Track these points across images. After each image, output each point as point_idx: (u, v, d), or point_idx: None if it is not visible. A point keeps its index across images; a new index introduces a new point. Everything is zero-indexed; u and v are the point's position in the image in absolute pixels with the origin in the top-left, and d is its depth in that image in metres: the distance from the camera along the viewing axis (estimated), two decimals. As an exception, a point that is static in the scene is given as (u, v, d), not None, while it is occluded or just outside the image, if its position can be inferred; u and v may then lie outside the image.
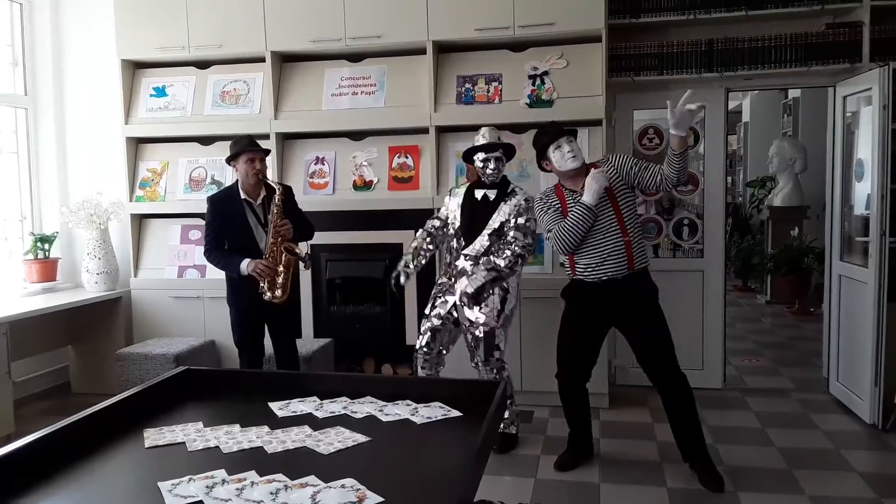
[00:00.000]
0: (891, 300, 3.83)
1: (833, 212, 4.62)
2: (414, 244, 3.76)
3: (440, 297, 3.69)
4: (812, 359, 5.40)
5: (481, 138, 3.63)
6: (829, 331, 4.59)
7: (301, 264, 3.69)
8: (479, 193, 3.64)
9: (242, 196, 3.67)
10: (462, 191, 3.71)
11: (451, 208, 3.72)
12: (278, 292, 3.60)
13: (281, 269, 3.60)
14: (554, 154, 3.29)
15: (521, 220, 3.54)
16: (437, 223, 3.78)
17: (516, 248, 3.51)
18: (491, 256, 3.54)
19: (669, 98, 3.11)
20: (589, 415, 3.54)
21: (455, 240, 3.68)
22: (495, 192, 3.61)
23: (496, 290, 3.58)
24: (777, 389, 4.73)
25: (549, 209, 3.32)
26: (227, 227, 3.66)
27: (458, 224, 3.66)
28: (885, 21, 4.20)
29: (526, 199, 3.58)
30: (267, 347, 3.87)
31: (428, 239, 3.76)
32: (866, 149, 4.10)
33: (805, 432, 3.92)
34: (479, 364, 3.63)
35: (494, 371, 3.63)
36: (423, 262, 3.76)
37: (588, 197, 3.16)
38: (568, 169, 3.27)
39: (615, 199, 3.25)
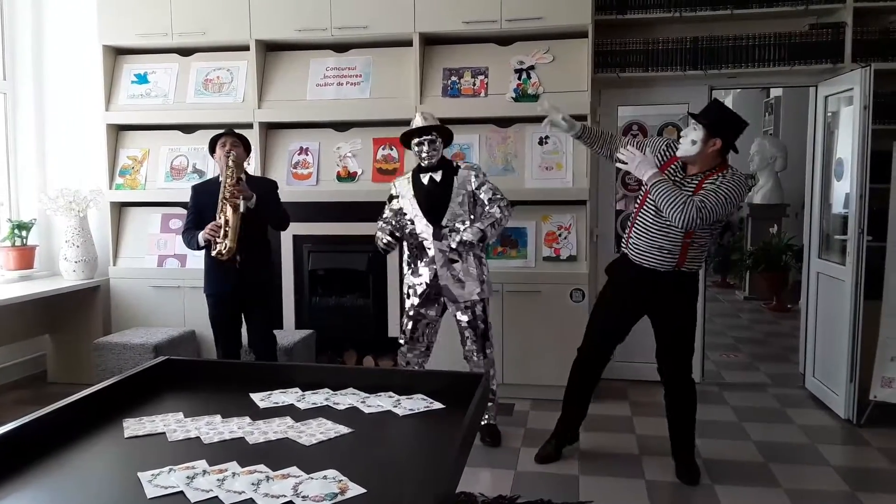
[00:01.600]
0: (867, 298, 3.89)
1: (812, 210, 4.67)
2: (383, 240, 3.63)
3: (411, 289, 3.69)
4: (789, 354, 5.47)
5: (416, 122, 3.60)
6: (805, 327, 4.65)
7: (243, 205, 3.56)
8: (424, 178, 3.62)
9: (221, 180, 3.67)
10: (403, 183, 3.69)
11: (405, 204, 3.65)
12: (222, 247, 3.52)
13: (223, 221, 3.54)
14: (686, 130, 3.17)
15: (485, 188, 3.59)
16: (387, 214, 3.70)
17: (501, 203, 3.56)
18: (480, 220, 3.56)
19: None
20: (587, 404, 3.51)
21: (417, 227, 3.63)
22: (440, 172, 3.60)
23: (471, 263, 3.58)
24: (754, 384, 4.79)
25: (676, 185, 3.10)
26: (206, 212, 3.65)
27: (416, 213, 3.62)
28: (867, 22, 4.25)
29: (474, 167, 3.66)
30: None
31: (388, 231, 3.63)
32: (846, 148, 4.16)
33: (781, 427, 3.97)
34: (474, 355, 3.64)
35: (485, 361, 3.65)
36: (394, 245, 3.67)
37: (653, 170, 3.06)
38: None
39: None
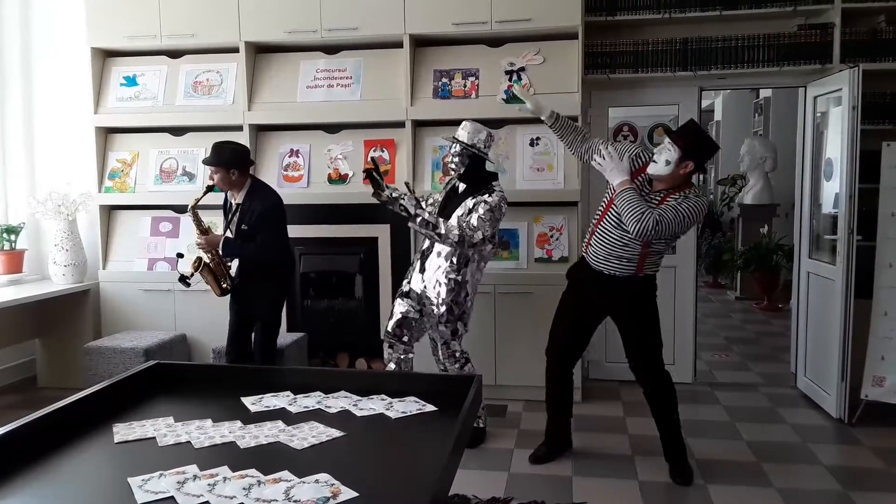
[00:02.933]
0: (858, 297, 3.91)
1: (802, 210, 4.69)
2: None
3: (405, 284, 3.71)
4: (780, 354, 5.49)
5: (460, 132, 3.58)
6: (797, 327, 4.67)
7: (206, 257, 3.72)
8: (459, 186, 3.63)
9: (229, 195, 3.81)
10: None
11: (437, 198, 3.76)
12: (218, 292, 3.77)
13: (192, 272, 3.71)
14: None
15: (469, 215, 3.45)
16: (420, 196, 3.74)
17: (462, 231, 3.40)
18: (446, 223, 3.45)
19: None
20: (571, 403, 3.55)
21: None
22: (464, 185, 3.59)
23: (446, 281, 3.54)
24: (746, 384, 4.81)
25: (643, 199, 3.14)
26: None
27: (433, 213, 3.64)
28: (855, 23, 4.28)
29: (486, 200, 3.44)
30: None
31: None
32: (835, 148, 4.18)
33: (773, 426, 3.99)
34: (441, 358, 3.66)
35: (458, 366, 3.65)
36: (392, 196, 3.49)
37: (623, 176, 3.15)
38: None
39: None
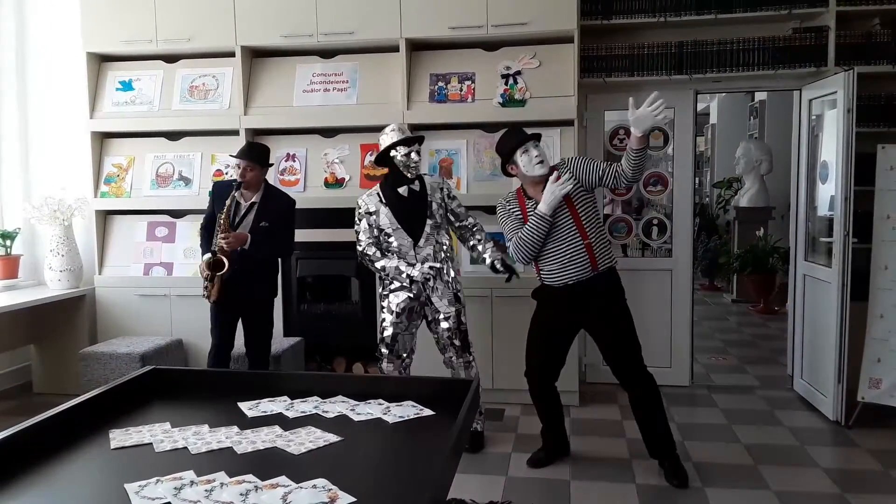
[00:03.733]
0: (853, 300, 3.91)
1: (798, 213, 4.71)
2: (388, 263, 3.55)
3: (394, 294, 3.61)
4: (777, 356, 5.50)
5: (397, 133, 3.53)
6: (793, 329, 4.68)
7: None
8: (402, 190, 3.55)
9: (237, 190, 3.72)
10: (373, 199, 3.59)
11: (382, 221, 3.56)
12: (212, 294, 3.66)
13: (206, 273, 3.65)
14: (521, 158, 3.25)
15: (456, 202, 3.69)
16: (366, 235, 3.61)
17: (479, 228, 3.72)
18: (484, 247, 3.68)
19: (638, 96, 3.16)
20: (561, 412, 3.57)
21: (398, 240, 3.57)
22: (416, 183, 3.58)
23: (446, 276, 3.59)
24: (743, 387, 4.81)
25: (509, 217, 3.34)
26: (217, 212, 3.73)
27: (394, 227, 3.55)
28: (850, 26, 4.30)
29: (439, 179, 3.72)
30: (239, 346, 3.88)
31: (379, 253, 3.61)
32: (830, 151, 4.19)
33: (770, 429, 3.99)
34: (454, 358, 3.63)
35: (468, 364, 3.64)
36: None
37: (543, 206, 3.17)
38: (535, 175, 3.24)
39: (572, 204, 3.23)
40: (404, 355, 3.66)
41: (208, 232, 3.78)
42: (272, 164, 3.93)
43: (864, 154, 3.93)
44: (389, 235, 3.57)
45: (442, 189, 3.65)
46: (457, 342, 3.61)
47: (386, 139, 3.55)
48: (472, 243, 3.71)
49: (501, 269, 3.61)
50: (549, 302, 3.38)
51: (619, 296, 3.32)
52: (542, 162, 3.24)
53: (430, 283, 3.55)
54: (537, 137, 3.33)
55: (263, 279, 3.83)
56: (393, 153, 3.53)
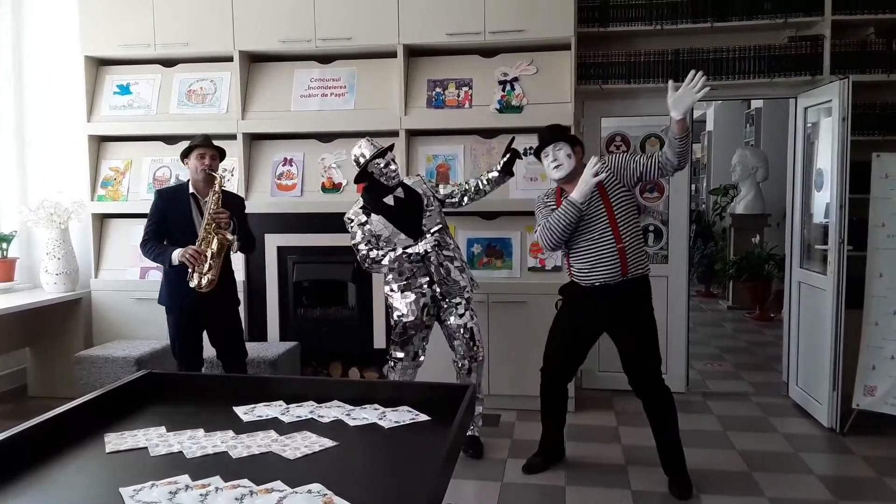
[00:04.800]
0: (848, 307, 3.93)
1: (793, 220, 4.72)
2: (395, 254, 3.55)
3: (405, 293, 3.63)
4: (772, 363, 5.51)
5: (370, 148, 3.53)
6: (788, 336, 4.69)
7: (231, 248, 3.55)
8: (388, 200, 3.56)
9: (191, 191, 3.61)
10: (360, 214, 3.60)
11: (377, 227, 3.58)
12: (205, 280, 3.46)
13: (209, 254, 3.45)
14: (544, 161, 3.29)
15: (439, 187, 3.74)
16: (364, 245, 3.60)
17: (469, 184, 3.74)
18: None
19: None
20: (564, 415, 3.56)
21: (399, 246, 3.57)
22: (399, 189, 3.59)
23: (452, 261, 3.62)
24: (738, 393, 4.82)
25: (544, 207, 3.33)
26: (171, 221, 3.58)
27: (392, 232, 3.57)
28: (845, 35, 4.32)
29: (418, 175, 3.82)
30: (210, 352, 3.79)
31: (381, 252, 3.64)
32: (826, 159, 4.21)
33: (765, 436, 4.00)
34: (468, 360, 3.63)
35: (477, 366, 3.66)
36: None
37: (575, 193, 3.13)
38: (553, 178, 3.29)
39: (608, 201, 3.20)
40: (420, 356, 3.67)
41: (159, 241, 3.57)
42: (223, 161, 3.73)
43: (859, 162, 3.95)
44: (389, 241, 3.58)
45: (425, 183, 3.71)
46: (468, 337, 3.63)
47: (364, 154, 3.54)
48: (477, 184, 3.75)
49: (507, 156, 3.70)
50: (576, 300, 3.35)
51: (647, 305, 3.28)
52: (558, 167, 3.24)
53: (438, 251, 3.54)
54: (562, 139, 3.26)
55: (227, 287, 3.66)
56: (371, 168, 3.53)
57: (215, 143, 3.66)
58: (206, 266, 3.45)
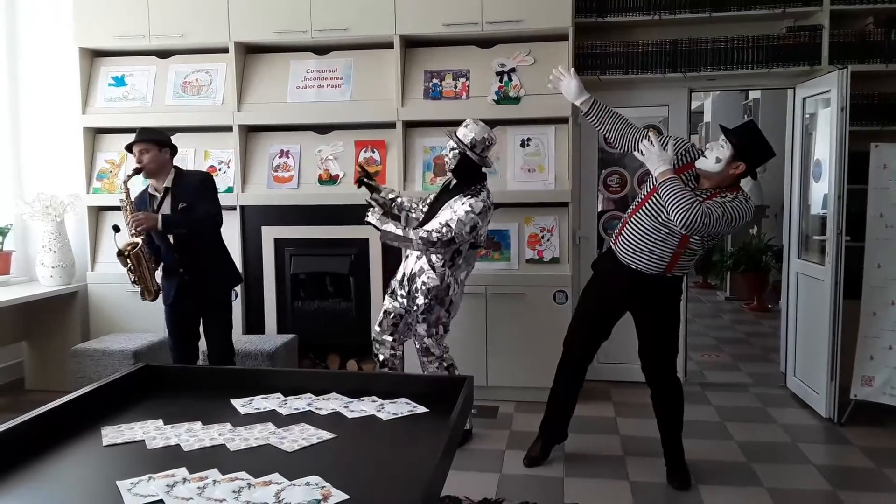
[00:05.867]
0: (846, 297, 3.93)
1: (791, 211, 4.72)
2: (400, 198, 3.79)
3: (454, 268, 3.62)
4: (770, 354, 5.52)
5: (460, 128, 3.56)
6: (786, 327, 4.69)
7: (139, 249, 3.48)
8: (452, 182, 3.63)
9: (149, 188, 3.62)
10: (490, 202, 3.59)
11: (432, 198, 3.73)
12: (145, 290, 3.53)
13: (130, 274, 3.49)
14: (713, 145, 3.09)
15: (447, 213, 3.45)
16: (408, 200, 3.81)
17: (432, 232, 3.41)
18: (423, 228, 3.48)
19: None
20: (576, 398, 3.48)
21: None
22: (453, 182, 3.59)
23: (425, 280, 3.53)
24: (736, 384, 4.82)
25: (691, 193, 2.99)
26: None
27: (422, 210, 3.69)
28: (844, 25, 4.31)
29: (470, 202, 3.42)
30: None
31: (399, 200, 3.81)
32: (824, 150, 4.20)
33: (763, 426, 4.00)
34: (426, 362, 3.66)
35: (441, 368, 3.65)
36: (388, 199, 3.81)
37: (664, 169, 2.98)
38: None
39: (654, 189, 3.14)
40: (390, 338, 3.70)
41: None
42: (175, 148, 3.64)
43: (857, 152, 3.94)
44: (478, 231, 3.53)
45: (459, 200, 3.53)
46: (420, 347, 3.66)
47: (491, 137, 3.55)
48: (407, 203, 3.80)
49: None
50: (607, 277, 3.29)
51: (676, 298, 3.24)
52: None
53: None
54: (728, 137, 3.02)
55: (217, 277, 3.66)
56: (485, 153, 3.53)
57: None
58: (137, 278, 3.49)
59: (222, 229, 3.70)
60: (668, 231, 3.03)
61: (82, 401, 1.82)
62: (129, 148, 3.55)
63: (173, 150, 3.63)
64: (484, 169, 3.57)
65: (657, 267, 3.11)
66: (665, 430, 3.30)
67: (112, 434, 1.68)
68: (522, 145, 4.41)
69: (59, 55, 4.89)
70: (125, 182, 3.46)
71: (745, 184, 3.19)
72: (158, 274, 3.64)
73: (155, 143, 3.52)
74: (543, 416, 3.52)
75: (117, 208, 4.76)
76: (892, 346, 3.86)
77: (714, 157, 2.99)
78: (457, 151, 3.52)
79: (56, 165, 4.95)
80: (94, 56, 4.84)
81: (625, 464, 3.47)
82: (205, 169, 4.62)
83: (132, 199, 3.47)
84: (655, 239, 3.07)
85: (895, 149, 3.93)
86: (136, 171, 3.49)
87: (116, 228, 3.55)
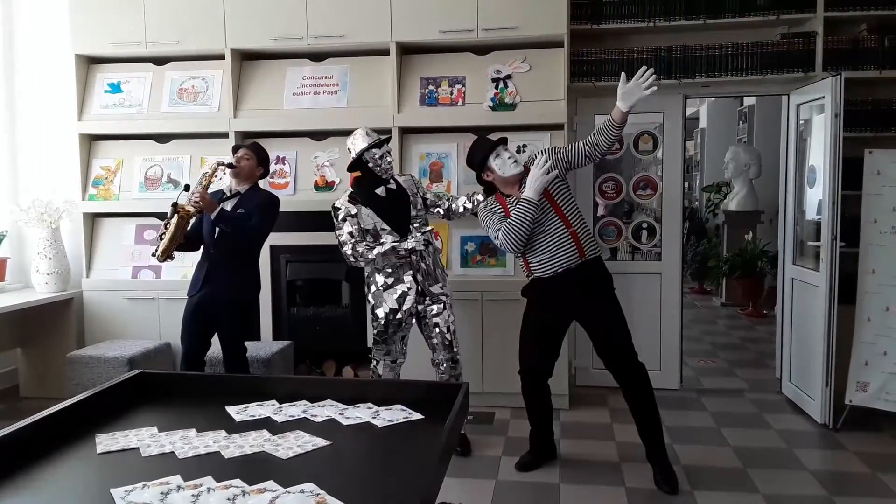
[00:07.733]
0: (841, 303, 3.94)
1: (786, 217, 4.73)
2: (381, 249, 3.50)
3: (388, 290, 3.58)
4: (765, 360, 5.53)
5: (365, 138, 3.54)
6: (781, 332, 4.70)
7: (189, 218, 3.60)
8: (380, 191, 3.57)
9: (226, 188, 3.83)
10: (349, 205, 3.55)
11: (367, 222, 3.54)
12: (157, 247, 3.58)
13: (164, 228, 3.58)
14: (495, 162, 3.33)
15: (428, 192, 3.76)
16: (351, 239, 3.54)
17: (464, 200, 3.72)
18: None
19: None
20: (551, 413, 3.57)
21: (385, 241, 3.55)
22: (392, 182, 3.60)
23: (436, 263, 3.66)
24: (732, 390, 4.83)
25: (493, 214, 3.37)
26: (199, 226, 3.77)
27: (381, 226, 3.55)
28: (837, 32, 4.33)
29: (409, 174, 3.85)
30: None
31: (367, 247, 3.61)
32: (818, 156, 4.22)
33: (759, 432, 4.01)
34: (444, 361, 3.62)
35: (454, 365, 3.65)
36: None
37: (529, 192, 3.23)
38: (511, 174, 3.31)
39: (551, 196, 3.30)
40: (399, 358, 3.66)
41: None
42: (267, 171, 3.87)
43: (851, 158, 3.96)
44: (377, 235, 3.55)
45: (415, 184, 3.72)
46: (448, 336, 3.62)
47: (358, 143, 3.55)
48: (453, 207, 3.74)
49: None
50: (541, 294, 3.39)
51: (609, 284, 3.36)
52: (515, 161, 3.35)
53: (430, 248, 3.56)
54: (504, 142, 3.42)
55: (236, 278, 3.69)
56: (366, 157, 3.53)
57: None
58: (168, 236, 3.55)
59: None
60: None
61: (77, 408, 1.81)
62: (235, 148, 3.82)
63: (265, 172, 3.87)
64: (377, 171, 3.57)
65: (527, 271, 3.40)
66: (644, 422, 3.29)
67: (106, 441, 1.68)
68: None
69: (56, 62, 4.90)
70: (218, 164, 3.67)
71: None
72: (185, 264, 3.84)
73: (257, 157, 3.79)
74: (530, 433, 3.57)
75: (113, 215, 4.79)
76: (887, 352, 3.87)
77: (514, 155, 3.43)
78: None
79: (52, 172, 4.95)
80: (90, 63, 4.84)
81: (620, 470, 3.47)
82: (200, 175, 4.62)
83: (211, 183, 3.65)
84: (585, 222, 3.43)
85: (889, 155, 3.95)
86: (230, 166, 3.70)
87: (187, 187, 3.65)
